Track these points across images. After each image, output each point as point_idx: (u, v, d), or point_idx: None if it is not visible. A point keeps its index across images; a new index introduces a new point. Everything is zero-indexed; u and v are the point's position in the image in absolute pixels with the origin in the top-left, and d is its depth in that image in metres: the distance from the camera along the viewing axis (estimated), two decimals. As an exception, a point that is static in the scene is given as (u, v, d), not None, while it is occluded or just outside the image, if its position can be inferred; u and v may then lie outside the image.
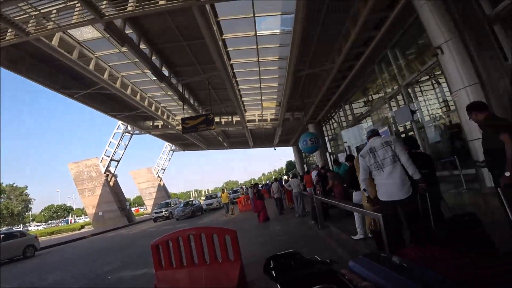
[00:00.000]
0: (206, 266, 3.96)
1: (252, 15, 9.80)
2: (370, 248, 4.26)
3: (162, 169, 39.10)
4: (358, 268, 1.70)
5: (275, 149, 35.26)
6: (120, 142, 27.81)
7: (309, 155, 29.95)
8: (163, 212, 25.14)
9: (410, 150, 3.89)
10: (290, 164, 59.32)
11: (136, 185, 38.51)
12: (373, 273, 1.56)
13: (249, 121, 22.18)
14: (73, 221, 58.15)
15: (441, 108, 10.85)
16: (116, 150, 28.12)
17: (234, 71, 13.97)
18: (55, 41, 10.35)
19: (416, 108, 10.73)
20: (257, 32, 10.79)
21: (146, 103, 17.33)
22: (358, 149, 14.37)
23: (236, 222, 13.61)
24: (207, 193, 56.17)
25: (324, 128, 24.19)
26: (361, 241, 5.07)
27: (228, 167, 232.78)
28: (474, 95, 6.50)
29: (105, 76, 13.19)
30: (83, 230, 32.46)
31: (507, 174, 2.74)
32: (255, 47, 11.72)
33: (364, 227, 5.38)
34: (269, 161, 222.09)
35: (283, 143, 32.81)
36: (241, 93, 17.27)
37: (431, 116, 11.15)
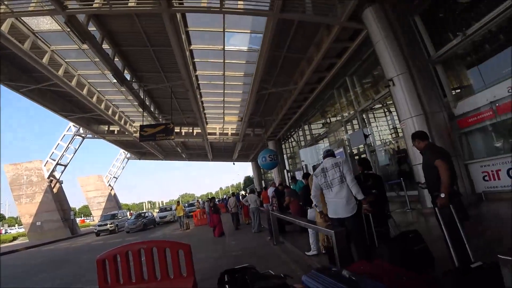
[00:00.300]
0: (157, 282, 3.70)
1: (222, 30, 9.94)
2: (323, 264, 4.37)
3: (114, 177, 36.80)
4: (310, 282, 1.77)
5: (234, 164, 35.22)
6: (69, 145, 25.68)
7: (267, 172, 30.37)
8: (108, 225, 21.83)
9: (363, 171, 4.14)
10: (248, 180, 59.37)
11: (84, 193, 35.55)
12: (324, 286, 1.63)
13: (210, 133, 22.00)
14: (3, 231, 51.61)
15: (391, 134, 11.79)
16: (64, 153, 25.77)
17: (199, 82, 13.92)
18: (5, 27, 9.37)
19: (369, 133, 11.52)
20: (226, 47, 10.93)
21: (102, 106, 16.40)
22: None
23: (190, 236, 13.15)
24: (161, 205, 53.80)
25: (283, 146, 24.84)
26: (315, 257, 5.19)
27: (185, 180, 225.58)
28: (419, 125, 7.24)
29: (60, 72, 12.25)
30: (15, 242, 28.12)
31: (442, 195, 3.01)
32: (222, 61, 11.83)
33: (317, 244, 5.55)
34: (227, 176, 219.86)
35: (242, 158, 32.89)
36: (204, 105, 17.16)
37: (382, 141, 12.05)
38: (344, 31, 9.58)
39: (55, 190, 25.13)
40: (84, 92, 14.29)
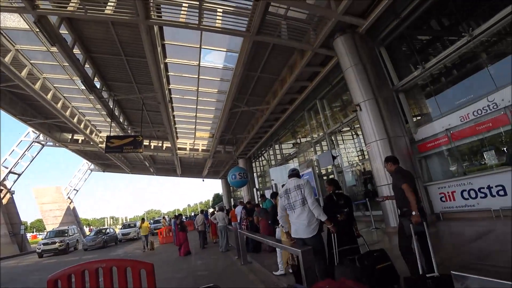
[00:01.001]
0: None
1: (199, 46, 10.05)
2: (290, 283, 4.34)
3: (74, 189, 34.34)
4: None
5: (203, 180, 34.59)
6: (26, 152, 23.92)
7: (237, 189, 30.13)
8: (57, 244, 17.42)
9: (334, 190, 4.23)
10: (217, 197, 58.34)
11: (38, 205, 32.87)
12: None
13: (180, 148, 21.58)
14: None
15: (357, 156, 12.30)
16: (19, 161, 23.99)
17: (172, 96, 13.79)
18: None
19: (337, 154, 11.94)
20: (201, 63, 11.02)
21: (68, 113, 15.55)
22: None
23: (154, 254, 12.47)
24: (124, 221, 50.90)
25: (253, 164, 24.92)
26: (282, 277, 5.14)
27: (151, 195, 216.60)
28: (383, 148, 7.67)
29: (23, 73, 11.52)
30: None
31: (414, 213, 3.38)
32: (197, 76, 11.87)
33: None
34: (196, 192, 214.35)
35: (212, 175, 32.47)
36: (176, 119, 16.93)
37: (349, 162, 12.52)
38: (316, 57, 10.10)
39: (4, 201, 22.93)
40: (49, 96, 13.54)
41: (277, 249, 5.56)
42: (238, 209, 10.31)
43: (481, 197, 6.56)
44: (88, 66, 10.97)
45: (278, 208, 4.09)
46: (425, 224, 3.38)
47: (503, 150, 6.79)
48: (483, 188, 6.50)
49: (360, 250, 3.98)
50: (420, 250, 3.35)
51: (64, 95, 14.85)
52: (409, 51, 9.28)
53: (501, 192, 6.16)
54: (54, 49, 9.76)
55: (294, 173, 4.02)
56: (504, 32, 6.83)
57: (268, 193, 15.42)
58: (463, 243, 5.12)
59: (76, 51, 9.97)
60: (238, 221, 9.94)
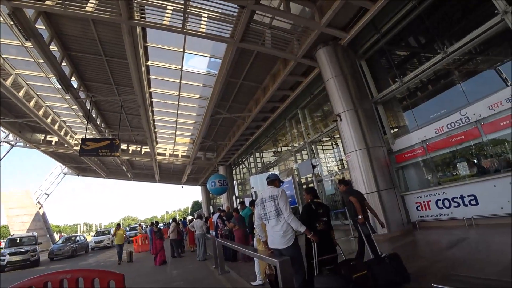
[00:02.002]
0: None
1: (182, 50, 9.94)
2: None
3: (45, 193, 32.47)
4: None
5: (182, 187, 33.89)
6: (-8, 153, 22.62)
7: (217, 197, 29.73)
8: (29, 254, 14.46)
9: (312, 199, 4.19)
10: (196, 204, 57.21)
11: (4, 210, 30.89)
12: None
13: (159, 154, 21.07)
14: None
15: (337, 165, 12.46)
16: (-16, 163, 22.66)
17: (152, 99, 13.51)
18: None
19: (317, 163, 12.04)
20: (184, 67, 10.90)
21: (41, 113, 14.78)
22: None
23: (128, 264, 11.99)
24: (98, 228, 48.76)
25: (234, 172, 24.75)
26: (260, 287, 5.04)
27: (128, 201, 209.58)
28: (362, 158, 7.83)
29: (-7, 68, 10.97)
30: None
31: (360, 217, 4.92)
32: (179, 81, 11.71)
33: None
34: (174, 199, 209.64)
35: (191, 181, 31.88)
36: (156, 123, 16.55)
37: (329, 171, 12.66)
38: (299, 67, 10.27)
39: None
40: (21, 94, 12.81)
41: (255, 259, 5.46)
42: (215, 217, 10.14)
43: (454, 206, 6.80)
44: (65, 64, 10.54)
45: (254, 216, 3.95)
46: (369, 227, 4.89)
47: (473, 162, 7.10)
48: (456, 197, 6.76)
49: (337, 259, 3.95)
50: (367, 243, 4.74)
51: (38, 93, 14.15)
52: (388, 65, 9.60)
53: (473, 202, 6.44)
54: (29, 44, 9.31)
55: (271, 180, 3.85)
56: (475, 52, 7.27)
57: (247, 201, 15.31)
58: (439, 251, 5.24)
59: (53, 47, 9.57)
60: (214, 229, 9.75)
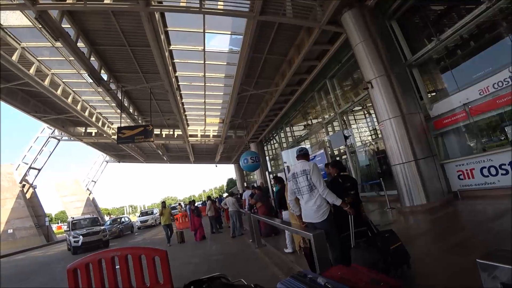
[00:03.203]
0: None
1: (202, 31, 9.80)
2: (304, 267, 4.31)
3: (92, 181, 35.45)
4: None
5: (216, 166, 34.83)
6: (43, 148, 24.62)
7: (250, 174, 30.28)
8: (91, 236, 13.92)
9: (339, 173, 4.08)
10: (231, 182, 58.76)
11: (60, 198, 34.18)
12: None
13: (191, 135, 21.63)
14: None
15: (370, 135, 12.00)
16: (38, 156, 24.69)
17: (179, 83, 13.67)
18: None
19: (349, 134, 11.68)
20: (206, 48, 10.79)
21: (79, 107, 15.74)
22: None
23: (171, 240, 12.83)
24: (142, 209, 52.31)
25: (265, 148, 24.88)
26: (296, 259, 5.13)
27: (167, 183, 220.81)
28: (396, 126, 7.41)
29: (32, 71, 11.60)
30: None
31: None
32: (203, 62, 11.66)
33: (292, 243, 5.63)
34: (210, 178, 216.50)
35: (224, 160, 32.60)
36: (185, 106, 16.86)
37: (362, 142, 12.25)
38: (324, 34, 9.70)
39: (28, 195, 23.93)
40: (59, 92, 13.67)
41: (286, 231, 5.61)
42: (246, 194, 10.37)
43: (502, 174, 6.27)
44: (93, 59, 10.92)
45: (287, 192, 3.94)
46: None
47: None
48: (504, 164, 6.20)
49: (368, 232, 3.86)
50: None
51: (74, 89, 14.95)
52: (422, 24, 8.77)
53: (524, 168, 5.88)
54: (58, 44, 9.71)
55: (301, 154, 3.76)
56: None
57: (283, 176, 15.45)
58: (482, 223, 4.95)
59: (81, 44, 9.88)
60: (246, 205, 10.00)
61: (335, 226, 3.54)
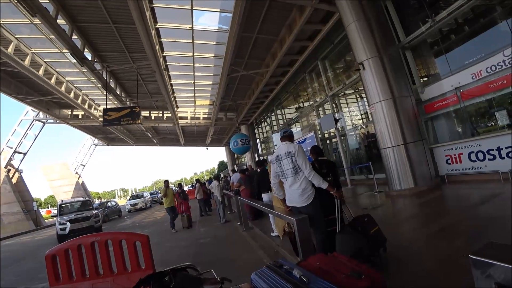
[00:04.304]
0: (113, 276, 3.41)
1: (190, 7, 9.37)
2: (289, 251, 4.28)
3: (81, 164, 34.91)
4: (257, 282, 1.61)
5: (207, 149, 34.61)
6: (28, 131, 23.86)
7: (241, 156, 30.25)
8: (81, 222, 12.36)
9: (317, 158, 3.95)
10: (222, 164, 58.81)
11: (48, 182, 33.62)
12: (270, 287, 1.48)
13: (181, 118, 21.26)
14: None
15: (361, 119, 11.94)
16: (22, 140, 23.89)
17: (167, 63, 13.23)
18: None
19: (339, 117, 11.58)
20: (194, 26, 10.36)
21: (63, 88, 15.15)
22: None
23: (159, 223, 12.80)
24: (133, 192, 52.22)
25: (256, 130, 24.74)
26: (282, 243, 5.11)
27: (158, 165, 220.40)
28: (387, 109, 7.31)
29: (10, 50, 11.01)
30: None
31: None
32: (191, 41, 11.24)
33: (278, 226, 5.59)
34: (201, 161, 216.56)
35: (215, 142, 32.45)
36: (174, 87, 16.43)
37: (352, 125, 12.20)
38: (317, 13, 9.41)
39: (14, 180, 23.33)
40: (40, 72, 13.07)
41: (270, 215, 5.58)
42: (234, 177, 10.29)
43: (489, 159, 6.31)
44: (76, 37, 10.38)
45: (271, 175, 3.79)
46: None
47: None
48: (492, 149, 6.23)
49: (344, 218, 3.77)
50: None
51: (57, 70, 14.35)
52: (417, 5, 8.53)
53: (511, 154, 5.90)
54: (37, 21, 9.18)
55: (286, 135, 3.57)
56: None
57: (270, 159, 15.42)
58: (469, 207, 4.97)
59: (61, 21, 9.37)
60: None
61: (320, 210, 3.42)
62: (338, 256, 1.92)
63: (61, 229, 11.98)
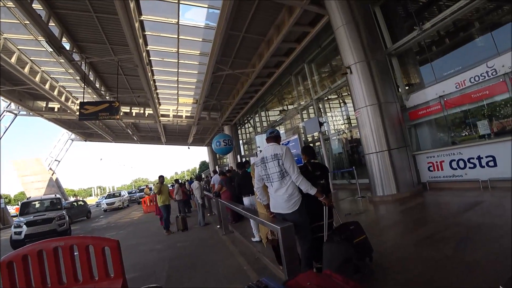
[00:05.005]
0: (78, 285, 3.10)
1: (176, 1, 9.06)
2: (271, 258, 4.05)
3: (56, 160, 33.37)
4: None
5: (189, 148, 34.06)
6: (-3, 123, 22.55)
7: (223, 157, 29.90)
8: (40, 225, 10.50)
9: (309, 160, 3.77)
10: (203, 165, 57.93)
11: (19, 178, 31.84)
12: None
13: (163, 115, 20.74)
14: None
15: (345, 124, 11.98)
16: (-9, 133, 22.68)
17: (150, 58, 12.79)
18: None
19: (324, 121, 11.55)
20: (180, 21, 10.04)
21: (37, 79, 14.33)
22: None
23: (135, 224, 12.30)
24: (111, 191, 50.44)
25: (239, 131, 24.52)
26: (263, 249, 4.87)
27: (138, 163, 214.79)
28: (372, 114, 7.30)
29: (-23, 34, 10.34)
30: None
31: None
32: (176, 36, 10.89)
33: (259, 232, 5.36)
34: (183, 160, 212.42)
35: (198, 142, 31.92)
36: (156, 84, 15.95)
37: (336, 130, 12.22)
38: (306, 15, 9.34)
39: (-20, 174, 21.97)
40: (13, 60, 12.29)
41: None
42: (214, 178, 10.01)
43: (470, 168, 6.40)
44: (53, 24, 9.81)
45: (255, 178, 3.47)
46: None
47: (496, 120, 6.53)
48: (473, 158, 6.32)
49: (333, 224, 3.61)
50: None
51: (31, 58, 13.56)
52: (405, 13, 8.64)
53: (491, 163, 6.00)
54: (10, 4, 8.61)
55: (272, 136, 3.32)
56: None
57: (253, 161, 15.21)
58: (452, 215, 4.96)
59: (37, 6, 8.81)
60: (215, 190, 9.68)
61: (306, 218, 3.20)
62: (332, 274, 1.74)
63: (15, 233, 10.07)
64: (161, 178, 9.28)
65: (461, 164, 6.57)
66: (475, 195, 5.77)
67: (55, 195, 13.94)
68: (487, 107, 6.41)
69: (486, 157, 6.06)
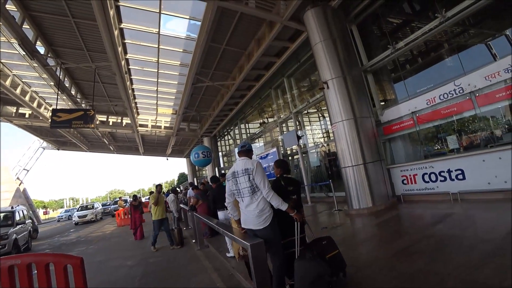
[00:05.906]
0: None
1: (158, 11, 9.02)
2: (244, 274, 3.93)
3: (24, 169, 31.57)
4: None
5: (167, 159, 33.40)
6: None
7: (202, 169, 29.50)
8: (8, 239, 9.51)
9: (282, 174, 3.71)
10: (182, 176, 56.77)
11: (-18, 187, 29.81)
12: None
13: (141, 125, 20.30)
14: None
15: (323, 137, 12.18)
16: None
17: (130, 67, 12.56)
18: None
19: (302, 134, 11.70)
20: (161, 31, 9.99)
21: (7, 82, 13.67)
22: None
23: (108, 239, 11.70)
24: (85, 202, 48.15)
25: (219, 143, 24.37)
26: (237, 265, 4.74)
27: (114, 174, 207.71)
28: (348, 128, 7.45)
29: None
30: None
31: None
32: (157, 46, 10.80)
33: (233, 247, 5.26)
34: (161, 171, 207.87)
35: (176, 153, 31.38)
36: (135, 93, 15.62)
37: (314, 143, 12.40)
38: (286, 30, 9.55)
39: None
40: (-20, 62, 11.77)
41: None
42: (190, 192, 9.84)
43: (441, 181, 6.63)
44: (27, 27, 9.49)
45: (226, 193, 3.39)
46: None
47: (464, 135, 6.86)
48: (443, 171, 6.56)
49: (306, 239, 3.55)
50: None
51: (2, 61, 12.98)
52: (380, 33, 9.02)
53: (460, 176, 6.25)
54: (-20, 2, 8.23)
55: (243, 150, 3.28)
56: (468, 23, 6.85)
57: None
58: (425, 227, 5.06)
59: (11, 7, 8.52)
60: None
61: (278, 233, 3.13)
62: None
63: None
64: (159, 187, 8.31)
65: (433, 177, 6.79)
66: (446, 207, 5.96)
67: (13, 207, 12.51)
68: (457, 122, 6.73)
69: (455, 170, 6.32)
